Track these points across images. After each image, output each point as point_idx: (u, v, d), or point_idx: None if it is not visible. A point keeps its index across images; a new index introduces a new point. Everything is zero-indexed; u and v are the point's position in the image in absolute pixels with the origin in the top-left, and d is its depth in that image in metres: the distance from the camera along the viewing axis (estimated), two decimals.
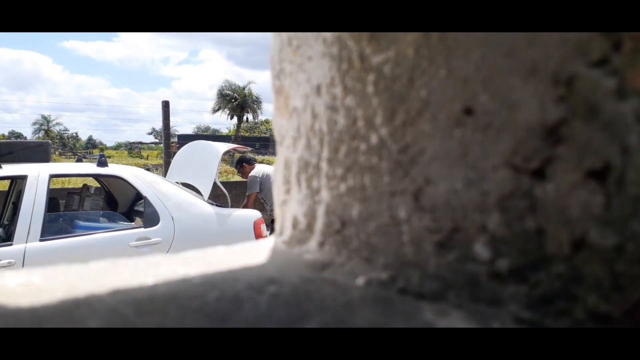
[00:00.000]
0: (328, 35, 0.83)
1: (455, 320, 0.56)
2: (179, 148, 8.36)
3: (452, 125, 0.65)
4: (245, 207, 6.32)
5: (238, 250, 0.94)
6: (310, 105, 0.89)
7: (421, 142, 0.68)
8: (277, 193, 1.02)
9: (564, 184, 0.56)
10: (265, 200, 6.72)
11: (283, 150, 1.00)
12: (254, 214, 5.77)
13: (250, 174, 6.43)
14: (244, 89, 38.82)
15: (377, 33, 0.74)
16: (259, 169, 6.59)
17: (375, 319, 0.55)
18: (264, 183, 6.52)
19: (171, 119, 8.80)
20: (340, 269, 0.77)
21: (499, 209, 0.60)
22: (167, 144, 8.74)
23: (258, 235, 5.63)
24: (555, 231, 0.56)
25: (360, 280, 0.70)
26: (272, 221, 6.21)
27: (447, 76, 0.65)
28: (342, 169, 0.81)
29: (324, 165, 0.86)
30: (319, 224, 0.87)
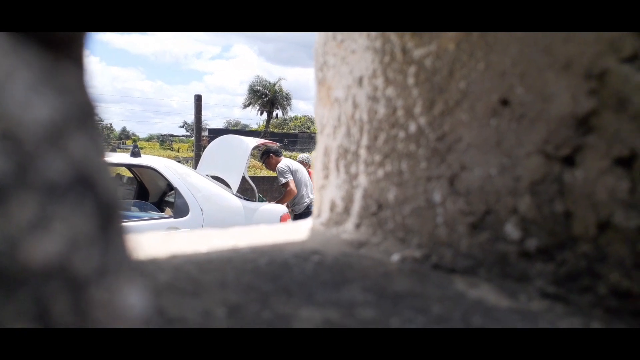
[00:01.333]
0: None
1: (485, 291, 0.61)
2: (209, 142, 8.52)
3: (488, 115, 0.70)
4: (283, 199, 6.20)
5: (279, 229, 1.01)
6: (351, 96, 0.95)
7: (458, 130, 0.73)
8: (316, 178, 1.08)
9: (593, 170, 0.60)
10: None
11: (323, 138, 1.06)
12: (281, 208, 5.84)
13: (279, 165, 6.44)
14: (274, 85, 39.24)
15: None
16: (286, 162, 6.60)
17: (411, 286, 0.60)
18: (294, 174, 6.52)
19: (203, 113, 8.97)
20: (376, 248, 0.82)
21: (530, 192, 0.65)
22: (199, 137, 8.92)
23: None
24: (582, 214, 0.61)
25: (396, 257, 0.75)
26: (295, 217, 6.18)
27: (485, 69, 0.70)
28: (381, 155, 0.87)
29: (362, 152, 0.92)
30: (356, 206, 0.93)
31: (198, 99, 8.92)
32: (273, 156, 6.46)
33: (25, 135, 0.18)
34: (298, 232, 0.97)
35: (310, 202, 6.20)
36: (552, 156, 0.63)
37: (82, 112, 0.22)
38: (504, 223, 0.67)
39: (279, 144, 8.73)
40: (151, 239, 0.88)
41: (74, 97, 0.22)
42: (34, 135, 0.19)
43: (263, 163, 6.77)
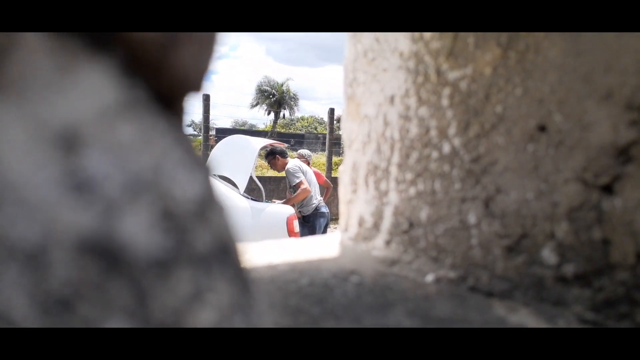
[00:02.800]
0: (405, 49, 0.90)
1: (524, 316, 0.63)
2: (217, 141, 8.55)
3: (525, 139, 0.71)
4: (295, 198, 6.13)
5: (307, 243, 1.02)
6: (382, 113, 0.96)
7: (494, 153, 0.75)
8: (344, 192, 1.10)
9: (632, 199, 0.61)
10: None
11: (351, 153, 1.07)
12: (287, 209, 5.85)
13: (290, 166, 6.39)
14: (282, 85, 39.28)
15: (455, 51, 0.81)
16: (295, 162, 6.56)
17: (453, 311, 0.62)
18: (304, 176, 6.48)
19: (210, 112, 9.00)
20: (408, 266, 0.84)
21: (568, 219, 0.66)
22: (206, 137, 8.96)
23: (290, 231, 5.70)
24: (621, 242, 0.62)
25: (430, 277, 0.77)
26: (303, 218, 6.14)
27: (522, 95, 0.72)
28: (412, 174, 0.88)
29: (393, 170, 0.93)
30: (386, 223, 0.94)
31: (206, 98, 8.94)
32: (279, 157, 6.40)
33: (181, 211, 0.20)
34: (327, 246, 0.98)
35: (318, 204, 6.16)
36: (591, 184, 0.65)
37: (210, 178, 0.23)
38: (540, 247, 0.69)
39: (286, 145, 8.74)
40: None
41: (204, 164, 0.23)
42: (188, 211, 0.20)
43: (268, 164, 6.67)
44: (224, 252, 0.21)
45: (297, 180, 5.94)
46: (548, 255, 0.68)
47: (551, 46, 0.69)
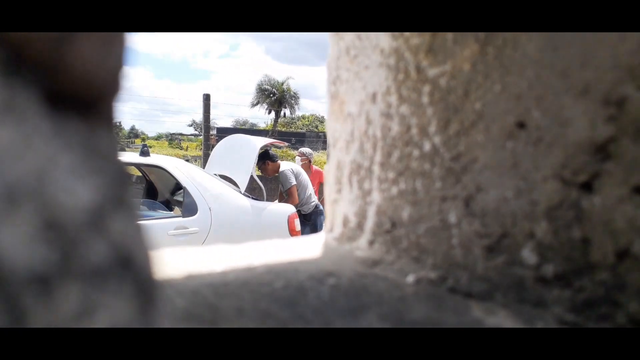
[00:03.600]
0: (386, 46, 0.88)
1: (502, 318, 0.61)
2: (217, 141, 8.55)
3: (504, 137, 0.69)
4: (287, 201, 6.24)
5: (292, 244, 1.01)
6: (365, 112, 0.95)
7: (474, 151, 0.73)
8: (329, 192, 1.08)
9: (611, 197, 0.60)
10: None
11: (336, 152, 1.06)
12: (288, 208, 5.85)
13: (281, 170, 6.44)
14: (282, 84, 39.27)
15: (434, 47, 0.79)
16: (288, 166, 6.59)
17: (429, 314, 0.60)
18: (297, 177, 6.52)
19: (211, 111, 8.99)
20: (390, 267, 0.82)
21: (547, 218, 0.65)
22: (207, 137, 8.95)
23: (291, 230, 5.71)
24: (601, 241, 0.60)
25: (411, 278, 0.75)
26: (304, 216, 6.19)
27: (501, 91, 0.70)
28: (394, 172, 0.87)
29: (376, 169, 0.92)
30: (370, 223, 0.93)
31: (206, 97, 8.94)
32: (269, 162, 6.44)
33: (69, 222, 0.19)
34: (311, 247, 0.97)
35: (317, 202, 6.28)
36: (570, 182, 0.63)
37: (118, 184, 0.22)
38: (520, 247, 0.67)
39: (287, 144, 8.67)
40: (166, 254, 0.89)
41: (110, 170, 0.22)
42: (78, 220, 0.19)
43: (259, 169, 6.73)
44: (124, 264, 0.20)
45: (289, 186, 6.08)
46: (528, 255, 0.66)
47: (528, 41, 0.67)
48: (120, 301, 0.19)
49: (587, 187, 0.62)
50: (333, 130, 1.07)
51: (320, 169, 7.37)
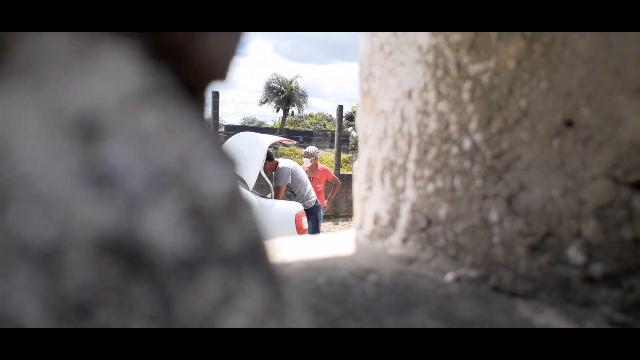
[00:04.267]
0: (423, 43, 0.87)
1: (550, 317, 0.61)
2: (226, 138, 8.55)
3: (551, 135, 0.69)
4: (274, 198, 6.35)
5: (322, 240, 1.01)
6: (399, 108, 0.94)
7: (518, 149, 0.72)
8: (358, 189, 1.08)
9: None
10: (294, 192, 6.74)
11: (366, 149, 1.05)
12: (296, 206, 5.86)
13: (280, 166, 6.49)
14: (290, 82, 39.20)
15: (476, 44, 0.78)
16: (285, 163, 6.64)
17: (477, 312, 0.60)
18: (294, 175, 6.57)
19: (219, 109, 9.00)
20: (426, 265, 0.81)
21: (596, 217, 0.64)
22: (215, 134, 8.96)
23: (299, 228, 5.72)
24: None
25: (450, 276, 0.75)
26: (306, 211, 6.26)
27: (548, 89, 0.69)
28: (431, 170, 0.86)
29: (410, 166, 0.91)
30: (403, 221, 0.92)
31: (215, 95, 8.95)
32: (267, 162, 6.52)
33: (210, 208, 0.18)
34: (342, 244, 0.96)
35: (316, 197, 6.54)
36: (621, 181, 0.62)
37: (236, 173, 0.22)
38: (566, 246, 0.66)
39: (295, 142, 8.69)
40: None
41: (232, 161, 0.21)
42: (217, 207, 0.18)
43: None
44: (255, 251, 0.20)
45: (283, 184, 6.25)
46: (574, 254, 0.65)
47: (579, 38, 0.66)
48: (256, 287, 0.19)
49: (639, 187, 0.61)
50: (364, 127, 1.06)
51: (326, 167, 7.37)
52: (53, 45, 0.16)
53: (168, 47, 0.19)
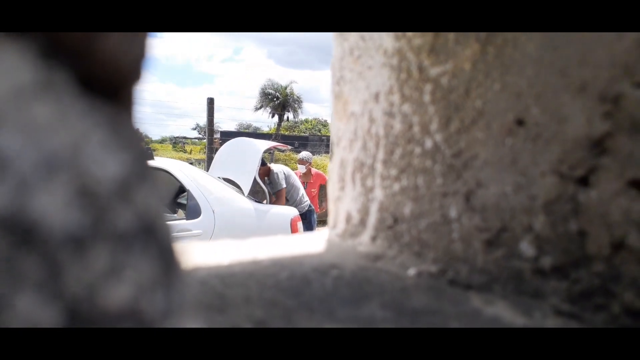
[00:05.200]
0: (389, 47, 0.90)
1: (500, 308, 0.63)
2: (221, 144, 8.58)
3: (504, 134, 0.71)
4: (274, 203, 6.33)
5: (296, 240, 1.03)
6: (368, 111, 0.97)
7: (474, 148, 0.75)
8: (332, 190, 1.10)
9: (607, 191, 0.61)
10: (287, 197, 6.74)
11: (339, 151, 1.08)
12: (291, 211, 5.89)
13: (276, 171, 6.50)
14: (285, 88, 39.39)
15: (436, 47, 0.81)
16: (277, 168, 6.65)
17: (428, 303, 0.62)
18: (287, 179, 6.58)
19: (215, 115, 9.04)
20: (392, 261, 0.84)
21: (545, 211, 0.66)
22: (211, 140, 9.00)
23: (294, 232, 5.74)
24: (597, 233, 0.62)
25: (412, 271, 0.77)
26: (300, 215, 6.27)
27: (501, 89, 0.72)
28: (397, 170, 0.89)
29: (378, 166, 0.94)
30: (372, 219, 0.95)
31: (210, 101, 8.99)
32: (260, 167, 6.51)
33: (100, 190, 0.21)
34: (315, 243, 0.99)
35: (309, 202, 6.52)
36: (567, 176, 0.65)
37: (141, 161, 0.24)
38: (519, 240, 0.69)
39: (290, 147, 8.69)
40: None
41: (134, 148, 0.24)
42: (107, 190, 0.21)
43: None
44: (148, 231, 0.22)
45: (279, 188, 6.26)
46: (526, 248, 0.68)
47: (528, 41, 0.69)
48: (145, 263, 0.21)
49: (584, 181, 0.63)
50: (337, 129, 1.09)
51: (320, 172, 7.40)
52: None
53: (63, 46, 0.22)
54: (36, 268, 0.19)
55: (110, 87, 0.25)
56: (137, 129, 0.27)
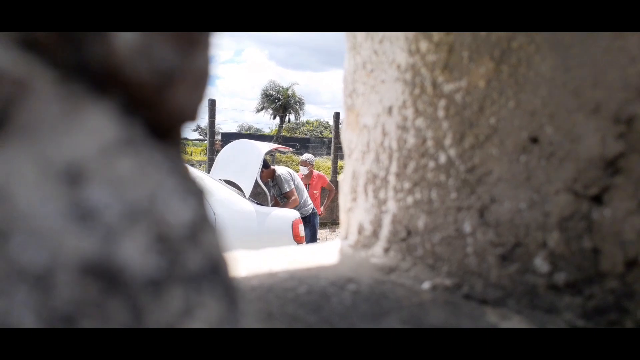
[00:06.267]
0: (402, 62, 0.92)
1: (516, 323, 0.65)
2: (222, 146, 8.60)
3: (518, 151, 0.73)
4: (286, 205, 6.28)
5: (308, 250, 1.05)
6: (380, 124, 0.98)
7: (488, 164, 0.77)
8: (344, 201, 1.12)
9: (620, 210, 0.63)
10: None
11: (351, 162, 1.09)
12: (293, 213, 5.89)
13: (281, 174, 6.47)
14: (287, 89, 39.43)
15: (450, 64, 0.83)
16: (282, 170, 6.62)
17: (446, 319, 0.64)
18: (293, 181, 6.56)
19: (216, 117, 9.06)
20: (406, 274, 0.86)
21: (559, 228, 0.68)
22: (212, 142, 9.03)
23: (295, 235, 5.73)
24: (610, 251, 0.64)
25: (427, 285, 0.79)
26: (303, 219, 6.23)
27: (515, 107, 0.74)
28: (410, 183, 0.90)
29: (391, 179, 0.95)
30: (385, 231, 0.96)
31: (211, 103, 9.00)
32: (263, 169, 6.46)
33: (175, 235, 0.22)
34: (327, 254, 1.00)
35: (312, 205, 6.46)
36: (581, 194, 0.66)
37: (204, 202, 0.26)
38: (533, 256, 0.70)
39: (291, 149, 8.72)
40: None
41: (198, 190, 0.25)
42: (180, 234, 0.22)
43: None
44: (214, 270, 0.24)
45: (289, 189, 6.16)
46: (540, 263, 0.70)
47: (542, 61, 0.71)
48: (213, 301, 0.23)
49: (598, 200, 0.65)
50: (349, 141, 1.10)
51: (321, 174, 7.41)
52: (44, 109, 0.20)
53: (139, 101, 0.23)
54: (122, 311, 0.21)
55: (171, 132, 0.27)
56: (188, 168, 0.29)
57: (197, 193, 0.25)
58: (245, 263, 0.90)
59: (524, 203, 0.72)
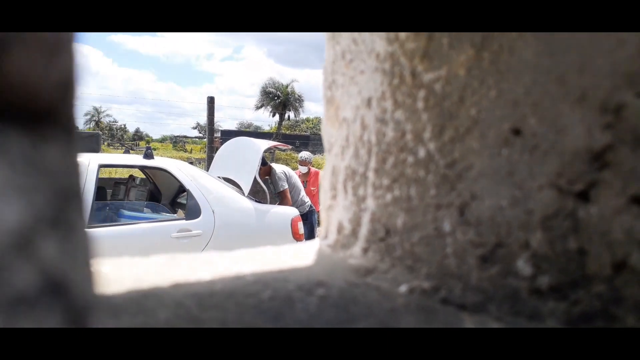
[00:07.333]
0: (381, 51, 0.86)
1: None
2: (221, 143, 8.55)
3: (500, 144, 0.68)
4: (280, 204, 6.25)
5: (285, 251, 0.99)
6: (360, 117, 0.93)
7: (469, 158, 0.71)
8: (324, 198, 1.07)
9: (608, 207, 0.58)
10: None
11: (331, 158, 1.04)
12: (292, 211, 5.84)
13: (276, 172, 6.43)
14: (286, 87, 39.27)
15: (429, 52, 0.77)
16: (278, 168, 6.59)
17: (418, 326, 0.59)
18: (288, 180, 6.52)
19: (215, 114, 9.00)
20: (384, 276, 0.80)
21: (543, 227, 0.63)
22: (211, 139, 8.96)
23: (295, 233, 5.69)
24: (597, 252, 0.58)
25: (404, 288, 0.74)
26: (301, 216, 6.21)
27: (497, 97, 0.68)
28: (389, 179, 0.85)
29: (370, 175, 0.90)
30: (364, 230, 0.91)
31: (211, 100, 8.94)
32: (260, 167, 6.41)
33: None
34: (305, 255, 0.95)
35: (310, 202, 6.43)
36: (566, 190, 0.61)
37: (58, 202, 0.21)
38: (515, 257, 0.65)
39: (290, 147, 8.65)
40: (155, 263, 0.87)
41: (52, 187, 0.20)
42: (2, 244, 0.17)
43: None
44: (55, 290, 0.18)
45: (282, 189, 6.13)
46: (523, 266, 0.64)
47: (525, 47, 0.65)
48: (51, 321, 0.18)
49: (584, 196, 0.60)
50: (329, 135, 1.05)
51: (319, 170, 7.36)
52: None
53: None
54: None
55: (28, 116, 0.21)
56: (69, 160, 0.24)
57: (46, 190, 0.20)
58: (216, 264, 0.84)
59: (506, 200, 0.67)
